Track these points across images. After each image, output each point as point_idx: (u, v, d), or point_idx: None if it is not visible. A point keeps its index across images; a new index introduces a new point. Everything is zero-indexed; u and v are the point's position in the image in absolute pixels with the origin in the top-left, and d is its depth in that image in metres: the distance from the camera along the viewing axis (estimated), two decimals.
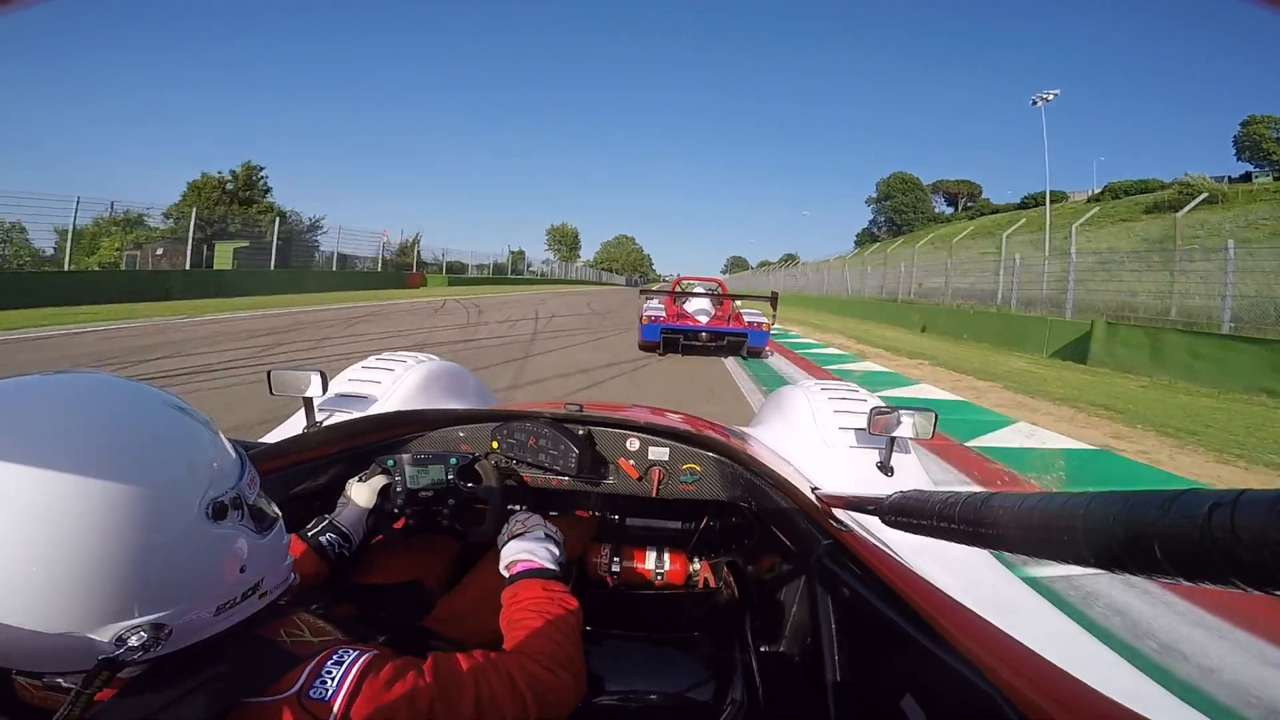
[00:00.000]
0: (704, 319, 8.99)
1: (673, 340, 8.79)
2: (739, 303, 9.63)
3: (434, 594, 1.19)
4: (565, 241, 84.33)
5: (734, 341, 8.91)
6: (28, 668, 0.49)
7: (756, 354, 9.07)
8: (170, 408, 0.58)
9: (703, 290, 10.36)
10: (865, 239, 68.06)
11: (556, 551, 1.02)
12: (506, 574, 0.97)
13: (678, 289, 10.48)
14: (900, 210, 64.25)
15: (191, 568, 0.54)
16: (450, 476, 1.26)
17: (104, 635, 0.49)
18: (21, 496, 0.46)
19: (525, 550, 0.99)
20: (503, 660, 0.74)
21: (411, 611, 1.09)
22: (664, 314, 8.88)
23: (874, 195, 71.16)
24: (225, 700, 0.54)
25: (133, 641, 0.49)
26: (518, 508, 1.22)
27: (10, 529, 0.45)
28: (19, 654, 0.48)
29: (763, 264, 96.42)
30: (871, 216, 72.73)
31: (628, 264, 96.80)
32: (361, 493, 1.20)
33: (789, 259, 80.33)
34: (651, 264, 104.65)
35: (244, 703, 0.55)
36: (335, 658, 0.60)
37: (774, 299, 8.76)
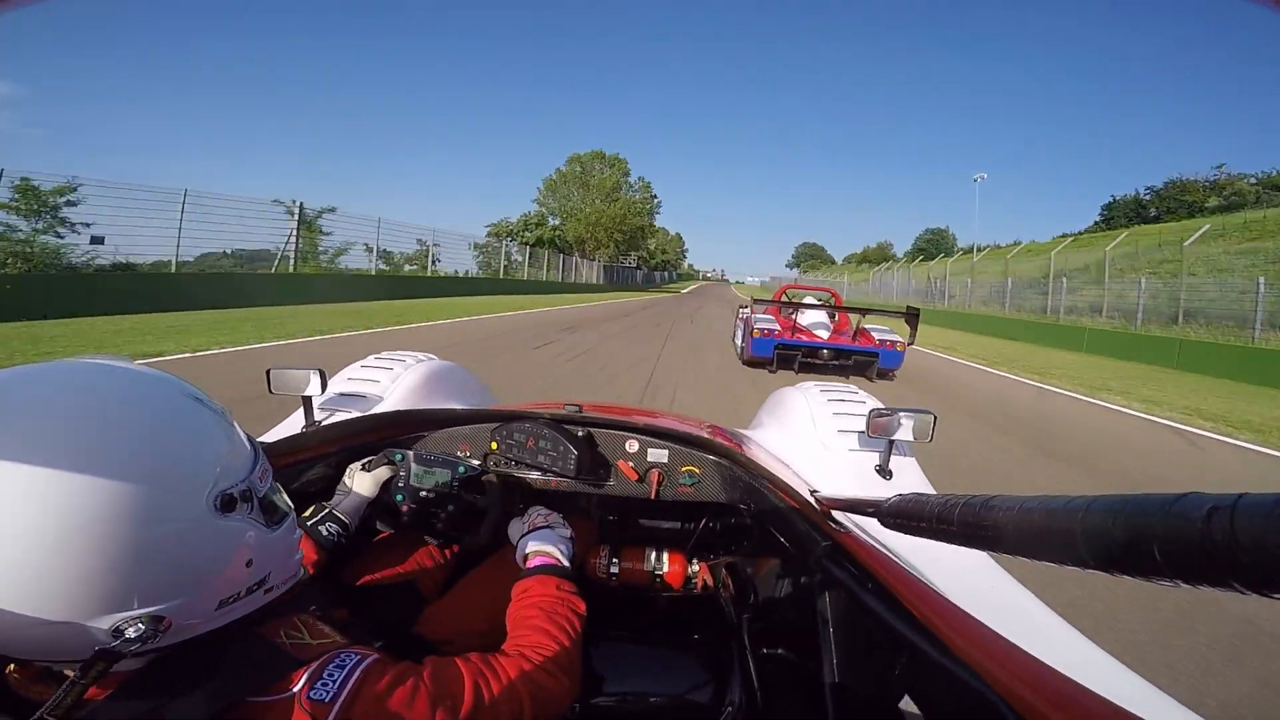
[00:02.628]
0: (823, 334, 8.06)
1: (788, 358, 7.89)
2: (863, 318, 8.13)
3: (426, 600, 1.19)
4: None
5: (861, 362, 7.81)
6: (24, 656, 0.49)
7: (885, 376, 7.98)
8: (184, 397, 0.57)
9: (814, 300, 9.22)
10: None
11: (570, 549, 1.04)
12: (523, 565, 1.00)
13: (784, 298, 9.19)
14: None
15: (196, 560, 0.53)
16: (455, 484, 1.26)
17: (102, 625, 0.48)
18: (21, 485, 0.45)
19: (545, 545, 1.02)
20: (502, 663, 0.74)
21: (403, 615, 1.09)
22: (777, 327, 7.97)
23: None
24: (227, 697, 0.54)
25: (130, 633, 0.49)
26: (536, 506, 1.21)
27: (10, 518, 0.45)
28: (15, 642, 0.48)
29: (860, 257, 68.67)
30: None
31: (613, 229, 46.34)
32: (365, 482, 1.20)
33: (880, 251, 56.93)
34: (683, 248, 70.85)
35: (246, 701, 0.55)
36: (338, 661, 0.60)
37: (913, 316, 6.56)
